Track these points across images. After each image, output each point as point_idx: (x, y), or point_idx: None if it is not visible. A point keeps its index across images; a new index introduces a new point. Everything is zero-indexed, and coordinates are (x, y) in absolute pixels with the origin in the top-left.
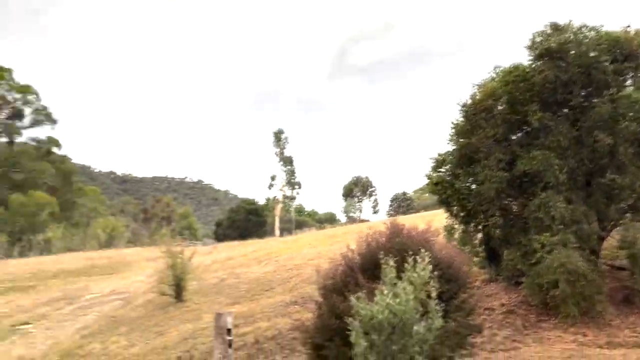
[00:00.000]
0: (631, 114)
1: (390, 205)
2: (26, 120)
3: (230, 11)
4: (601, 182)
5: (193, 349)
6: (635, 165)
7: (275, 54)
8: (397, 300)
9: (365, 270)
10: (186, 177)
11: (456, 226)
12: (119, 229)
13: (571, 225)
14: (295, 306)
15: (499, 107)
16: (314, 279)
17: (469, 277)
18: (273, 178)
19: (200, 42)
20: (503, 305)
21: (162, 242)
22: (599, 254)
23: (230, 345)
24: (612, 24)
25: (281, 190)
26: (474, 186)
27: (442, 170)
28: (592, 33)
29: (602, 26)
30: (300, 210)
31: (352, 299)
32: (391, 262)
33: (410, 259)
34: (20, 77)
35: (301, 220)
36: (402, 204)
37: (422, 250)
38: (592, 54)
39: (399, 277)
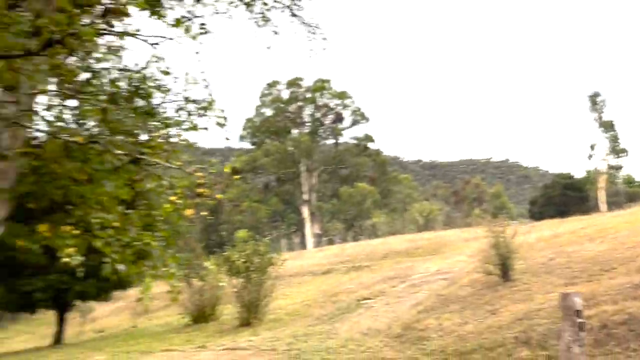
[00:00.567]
0: None
1: None
2: (346, 122)
3: None
4: None
5: (530, 330)
6: None
7: None
8: None
9: None
10: (491, 158)
11: None
12: (434, 212)
13: None
14: None
15: None
16: None
17: None
18: (592, 147)
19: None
20: None
21: (481, 222)
22: None
23: (582, 329)
24: None
25: (604, 159)
26: None
27: None
28: None
29: None
30: (630, 181)
31: None
32: None
33: None
34: (336, 84)
35: (632, 192)
36: None
37: None
38: None
39: None
